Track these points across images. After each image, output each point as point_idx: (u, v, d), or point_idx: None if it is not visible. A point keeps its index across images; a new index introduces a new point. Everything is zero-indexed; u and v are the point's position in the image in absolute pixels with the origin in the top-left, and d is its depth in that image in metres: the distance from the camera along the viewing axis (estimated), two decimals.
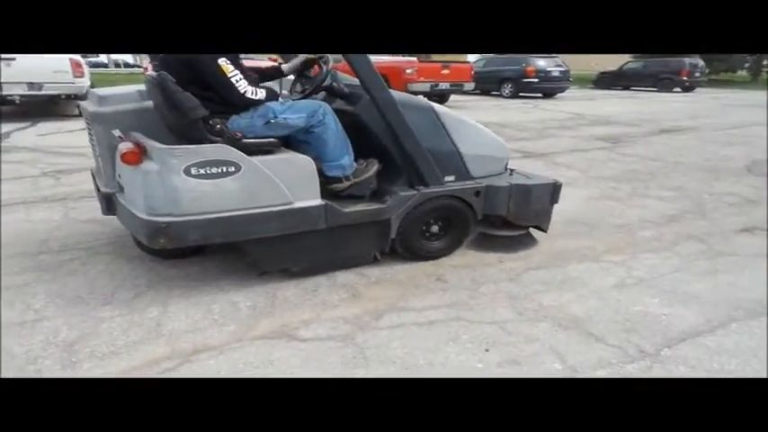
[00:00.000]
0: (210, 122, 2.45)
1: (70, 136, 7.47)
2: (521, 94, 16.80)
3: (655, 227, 3.92)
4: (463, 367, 2.10)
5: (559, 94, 17.63)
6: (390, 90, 2.76)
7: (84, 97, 7.22)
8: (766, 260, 3.25)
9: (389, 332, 2.36)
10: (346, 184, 2.82)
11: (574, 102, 15.60)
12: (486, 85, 17.13)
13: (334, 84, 2.87)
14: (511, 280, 2.93)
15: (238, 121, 2.56)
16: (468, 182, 3.11)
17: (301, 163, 2.59)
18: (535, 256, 3.30)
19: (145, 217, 2.34)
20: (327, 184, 2.77)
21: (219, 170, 2.36)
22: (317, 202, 2.63)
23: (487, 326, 2.43)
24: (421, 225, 3.06)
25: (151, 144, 2.34)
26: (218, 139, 2.44)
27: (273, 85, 3.16)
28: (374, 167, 2.90)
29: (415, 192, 2.92)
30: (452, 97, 14.53)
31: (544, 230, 3.41)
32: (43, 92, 8.66)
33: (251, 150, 2.47)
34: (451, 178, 3.06)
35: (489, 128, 3.34)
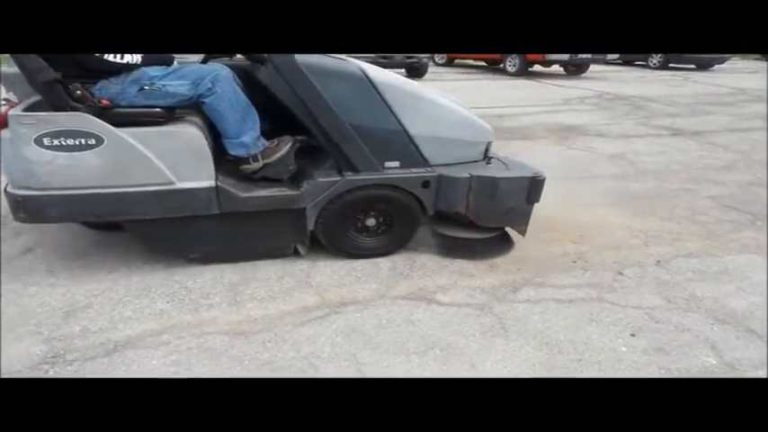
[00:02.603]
0: (71, 87, 2.12)
1: None
2: (670, 65, 15.36)
3: None
4: (606, 349, 2.05)
5: (717, 66, 15.87)
6: (307, 55, 2.33)
7: None
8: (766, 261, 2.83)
9: (528, 306, 2.35)
10: (255, 165, 2.46)
11: (734, 75, 13.96)
12: (631, 55, 15.83)
13: None
14: (658, 265, 2.77)
15: (108, 88, 2.23)
16: (415, 169, 2.60)
17: (186, 138, 2.25)
18: (686, 242, 3.07)
19: (7, 188, 2.17)
20: (238, 165, 2.49)
21: (77, 142, 2.08)
22: (206, 183, 2.31)
23: (632, 310, 2.33)
24: (350, 217, 2.64)
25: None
26: (81, 106, 2.12)
27: None
28: (286, 147, 2.49)
29: (339, 178, 2.50)
30: (591, 67, 13.65)
31: (521, 234, 2.82)
32: None
33: (121, 121, 2.17)
34: (395, 164, 2.56)
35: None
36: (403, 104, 2.51)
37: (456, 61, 16.40)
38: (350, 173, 2.50)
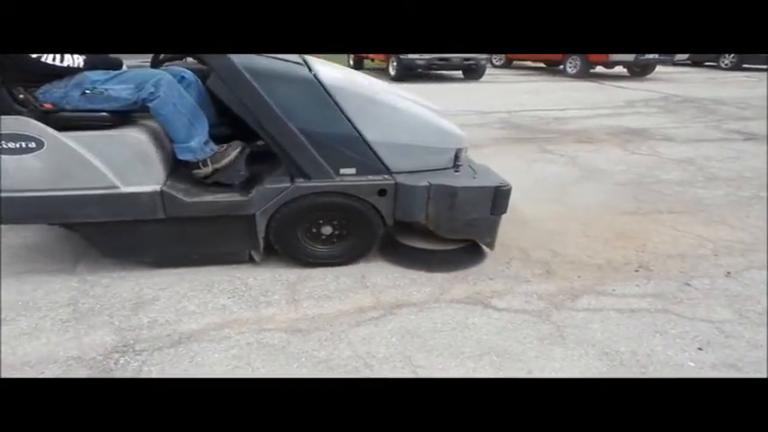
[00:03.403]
0: (14, 91, 2.14)
1: None
2: (744, 65, 14.53)
3: None
4: (671, 363, 1.96)
5: None
6: (253, 56, 2.24)
7: None
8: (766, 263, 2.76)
9: (587, 314, 2.29)
10: (205, 170, 2.41)
11: None
12: (701, 56, 15.11)
13: None
14: (729, 277, 2.63)
15: (51, 92, 2.22)
16: (371, 177, 2.49)
17: (130, 142, 2.25)
18: (760, 253, 2.90)
19: None
20: (191, 170, 2.45)
21: (17, 145, 2.10)
22: (150, 188, 2.29)
23: (700, 323, 2.23)
24: (303, 225, 2.57)
25: None
26: (24, 110, 2.14)
27: None
28: (235, 152, 2.44)
29: (289, 185, 2.42)
30: (658, 68, 13.13)
31: (488, 247, 2.71)
32: None
33: (67, 125, 2.19)
34: (351, 171, 2.46)
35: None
36: (358, 109, 2.41)
37: (514, 63, 16.15)
38: (301, 179, 2.44)
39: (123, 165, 2.26)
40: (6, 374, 1.86)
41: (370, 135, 2.44)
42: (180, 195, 2.34)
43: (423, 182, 2.49)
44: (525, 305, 2.36)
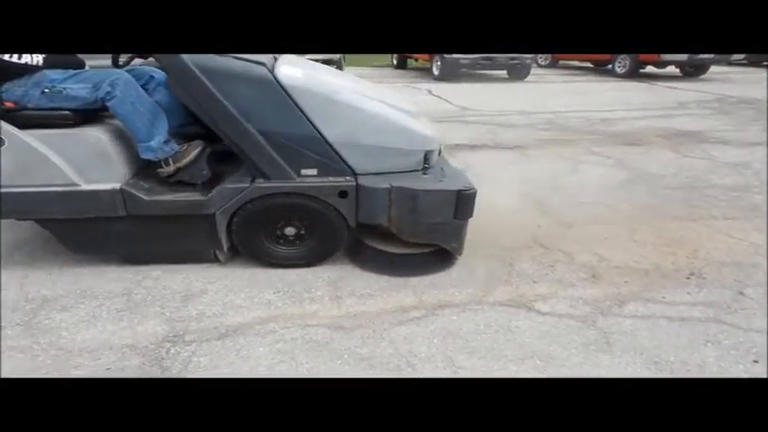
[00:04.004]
0: None
1: None
2: None
3: None
4: (724, 375, 1.90)
5: None
6: (209, 56, 2.19)
7: None
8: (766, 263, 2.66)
9: (635, 321, 2.23)
10: (167, 169, 2.42)
11: None
12: (759, 55, 14.47)
13: None
14: None
15: (13, 90, 2.25)
16: (332, 178, 2.44)
17: (89, 141, 2.28)
18: None
19: None
20: (155, 169, 2.45)
21: None
22: (111, 186, 2.32)
23: (756, 334, 2.14)
24: (264, 226, 2.55)
25: None
26: None
27: None
28: (195, 151, 2.44)
29: (248, 185, 2.40)
30: (713, 68, 12.64)
31: (456, 253, 2.66)
32: None
33: (30, 123, 2.23)
34: (312, 172, 2.42)
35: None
36: (319, 109, 2.34)
37: (560, 62, 15.85)
38: (261, 180, 2.42)
39: (84, 163, 2.30)
40: (67, 360, 1.95)
41: (331, 135, 2.39)
42: (140, 194, 2.35)
43: (384, 184, 2.44)
44: (570, 310, 2.32)
